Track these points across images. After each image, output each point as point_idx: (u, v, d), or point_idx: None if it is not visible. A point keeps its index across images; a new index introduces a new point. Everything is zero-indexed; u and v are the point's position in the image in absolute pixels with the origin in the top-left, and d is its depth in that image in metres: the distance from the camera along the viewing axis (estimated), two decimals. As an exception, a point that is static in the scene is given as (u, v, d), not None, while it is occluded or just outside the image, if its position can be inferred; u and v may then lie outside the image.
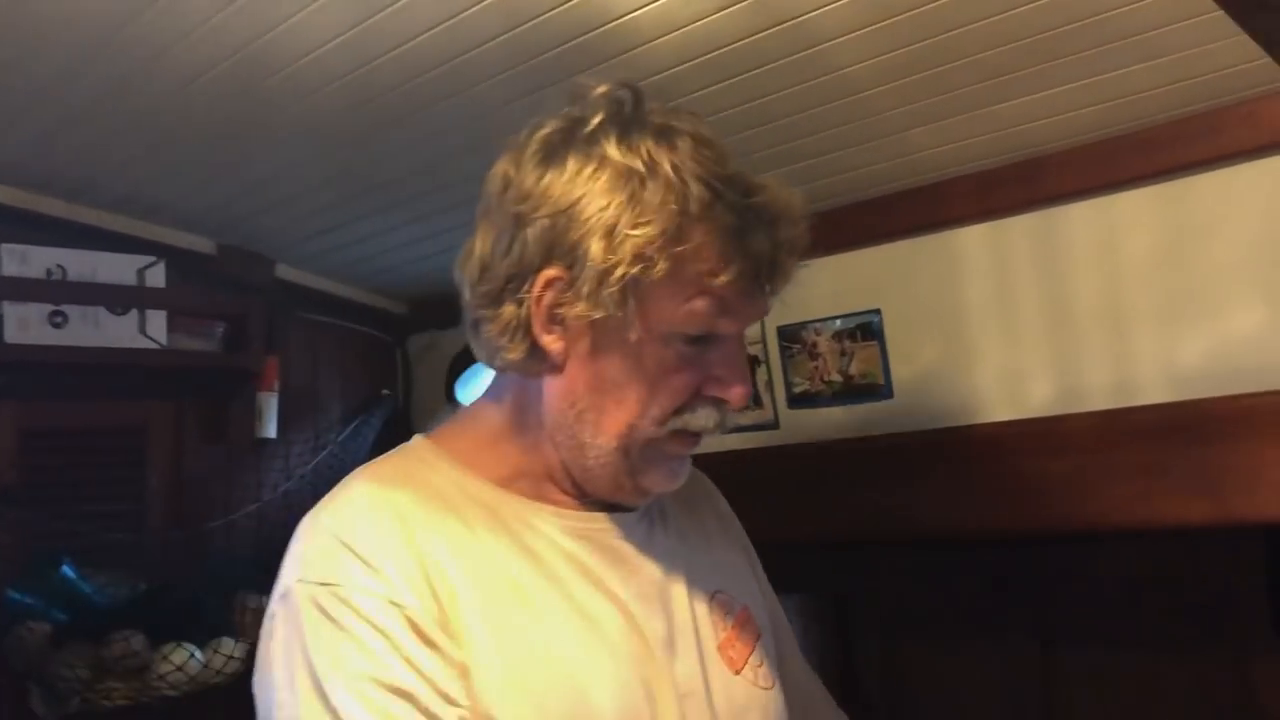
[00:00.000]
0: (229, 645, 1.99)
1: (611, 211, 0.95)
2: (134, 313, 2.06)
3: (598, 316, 0.96)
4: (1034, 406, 1.58)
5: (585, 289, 0.96)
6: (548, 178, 0.98)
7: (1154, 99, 1.39)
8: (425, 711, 0.90)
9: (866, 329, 1.72)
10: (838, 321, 1.75)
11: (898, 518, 1.68)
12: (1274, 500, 1.37)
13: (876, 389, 1.73)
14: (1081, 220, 1.53)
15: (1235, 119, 1.38)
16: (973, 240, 1.63)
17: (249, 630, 2.03)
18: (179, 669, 1.93)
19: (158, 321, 2.09)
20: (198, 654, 1.96)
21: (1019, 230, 1.59)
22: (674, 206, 0.95)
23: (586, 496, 1.07)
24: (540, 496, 1.07)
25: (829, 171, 1.61)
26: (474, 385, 2.40)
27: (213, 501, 2.25)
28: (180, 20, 1.37)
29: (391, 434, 2.48)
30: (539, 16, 1.31)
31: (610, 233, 0.95)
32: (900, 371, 1.71)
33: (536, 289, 0.99)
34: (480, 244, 1.02)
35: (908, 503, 1.68)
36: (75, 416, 2.12)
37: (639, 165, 0.96)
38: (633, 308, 0.96)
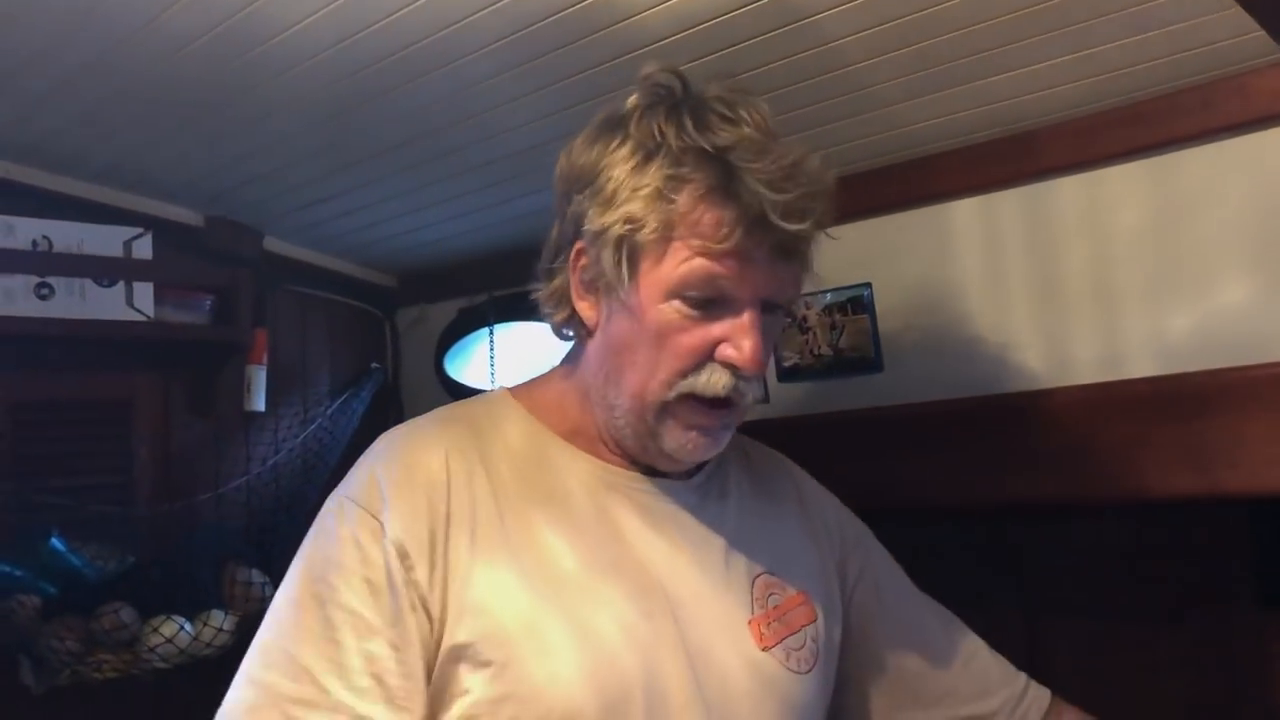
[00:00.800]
0: (218, 618, 1.99)
1: (614, 182, 1.04)
2: (121, 285, 2.05)
3: (603, 279, 1.06)
4: (1022, 380, 1.58)
5: (592, 254, 1.06)
6: (583, 158, 1.08)
7: (1144, 73, 1.39)
8: (355, 627, 1.00)
9: (857, 302, 1.73)
10: (828, 295, 1.75)
11: (886, 490, 1.69)
12: (1258, 473, 1.38)
13: (867, 362, 1.73)
14: (1071, 194, 1.53)
15: (1225, 93, 1.37)
16: (962, 214, 1.63)
17: (238, 603, 2.03)
18: (169, 641, 1.93)
19: (145, 293, 2.08)
20: (187, 626, 1.96)
21: (1008, 204, 1.59)
22: (668, 171, 1.01)
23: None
24: (593, 452, 1.14)
25: (819, 145, 1.59)
26: (463, 358, 2.40)
27: (201, 475, 2.24)
28: (166, -11, 1.35)
29: (380, 407, 2.48)
30: (528, -13, 1.31)
31: (610, 199, 1.03)
32: (890, 345, 1.71)
33: (571, 258, 1.09)
34: (553, 227, 1.14)
35: (896, 475, 1.69)
36: (62, 389, 2.11)
37: (650, 140, 1.03)
38: (626, 269, 1.04)
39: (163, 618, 1.95)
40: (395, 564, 1.01)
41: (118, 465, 2.15)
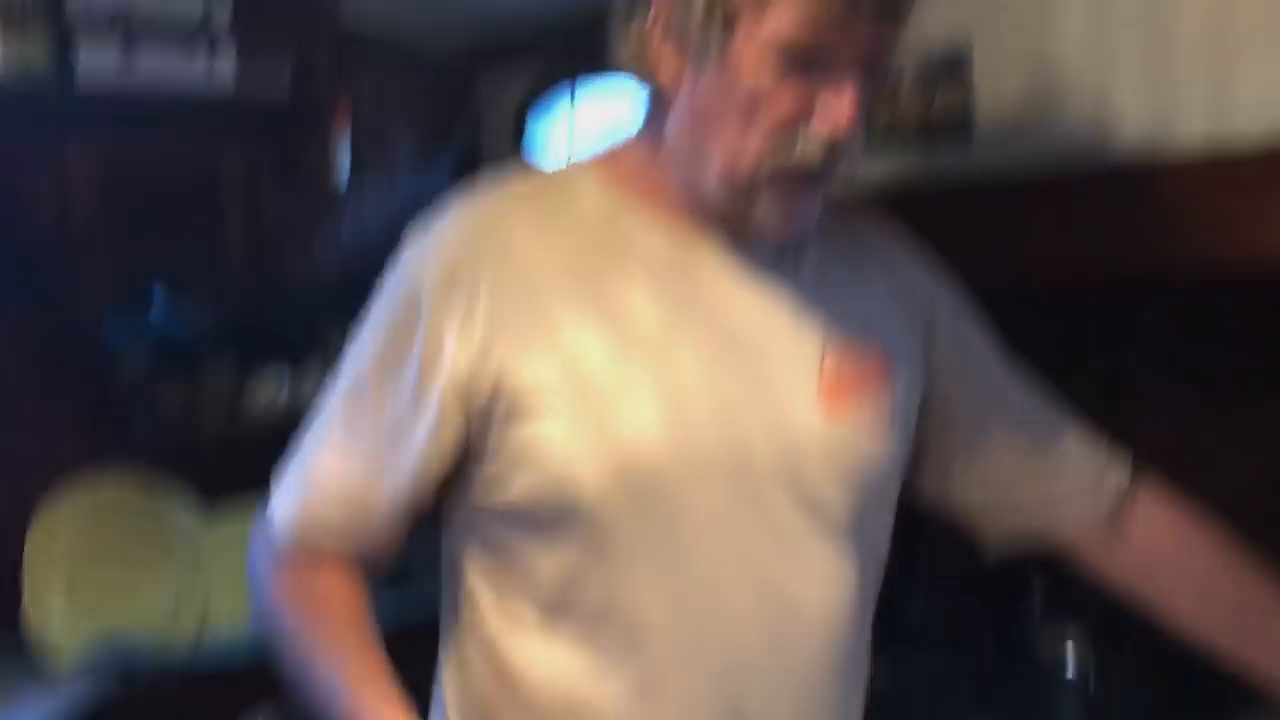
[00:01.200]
0: (314, 375, 2.08)
1: None
2: (202, 52, 2.04)
3: (693, 36, 1.00)
4: (1127, 148, 1.52)
5: (679, 8, 1.00)
6: None
7: None
8: (375, 378, 1.12)
9: (950, 65, 1.64)
10: (920, 57, 1.67)
11: (974, 265, 1.66)
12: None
13: (959, 130, 1.66)
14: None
15: None
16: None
17: (333, 360, 2.11)
18: (268, 398, 2.03)
19: (226, 61, 2.07)
20: (285, 384, 2.05)
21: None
22: None
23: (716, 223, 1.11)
24: (669, 216, 1.11)
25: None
26: (544, 123, 2.38)
27: (290, 241, 2.29)
28: None
29: (463, 173, 2.48)
30: None
31: None
32: (986, 112, 1.64)
33: (654, 9, 1.03)
34: None
35: (987, 250, 1.65)
36: (150, 155, 2.15)
37: None
38: (720, 26, 0.98)
39: (262, 374, 2.04)
40: (427, 332, 1.06)
41: (208, 231, 2.21)
